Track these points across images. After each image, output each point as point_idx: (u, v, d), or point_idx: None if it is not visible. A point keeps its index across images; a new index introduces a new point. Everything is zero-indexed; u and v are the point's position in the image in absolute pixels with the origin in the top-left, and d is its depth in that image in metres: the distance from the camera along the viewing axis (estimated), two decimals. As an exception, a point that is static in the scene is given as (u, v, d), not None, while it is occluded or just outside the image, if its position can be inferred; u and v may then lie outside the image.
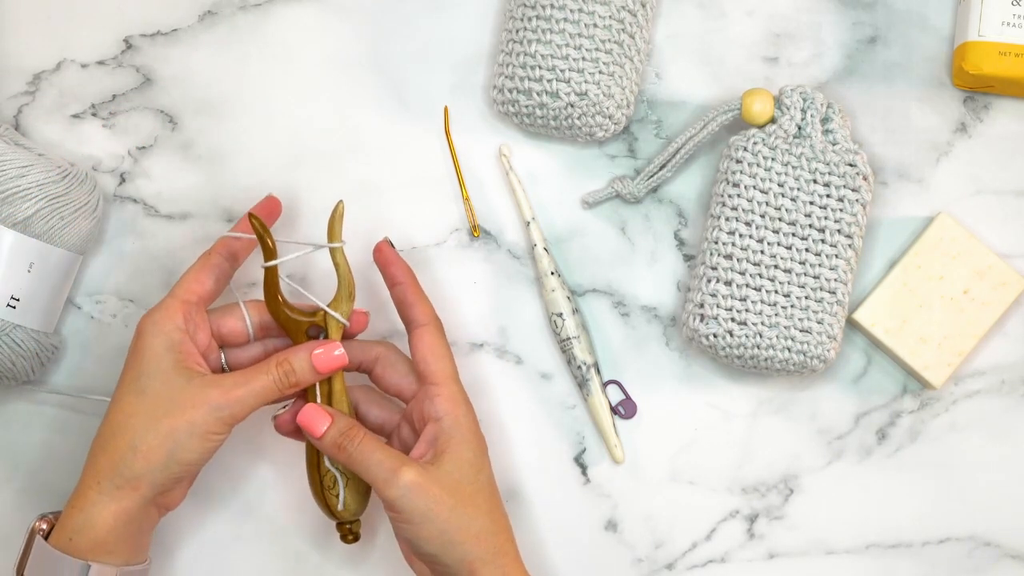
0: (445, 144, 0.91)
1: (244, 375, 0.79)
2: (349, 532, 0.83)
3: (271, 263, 0.81)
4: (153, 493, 0.78)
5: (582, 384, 0.89)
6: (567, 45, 0.86)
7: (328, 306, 0.82)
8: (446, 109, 0.91)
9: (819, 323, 0.85)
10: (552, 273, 0.89)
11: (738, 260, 0.86)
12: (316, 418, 0.79)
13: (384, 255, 0.83)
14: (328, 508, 0.82)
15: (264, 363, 0.80)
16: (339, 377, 0.82)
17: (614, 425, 0.90)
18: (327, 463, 0.82)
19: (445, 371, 0.80)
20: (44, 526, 0.79)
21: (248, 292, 0.90)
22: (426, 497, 0.77)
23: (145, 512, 0.79)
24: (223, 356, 0.83)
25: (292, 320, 0.81)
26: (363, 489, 0.82)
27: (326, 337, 0.82)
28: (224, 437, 0.79)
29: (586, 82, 0.86)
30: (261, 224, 0.81)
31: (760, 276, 0.86)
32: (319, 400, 0.81)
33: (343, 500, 0.82)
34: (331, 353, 0.80)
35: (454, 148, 0.91)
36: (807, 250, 0.86)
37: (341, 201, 0.82)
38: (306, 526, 0.89)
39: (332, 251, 0.82)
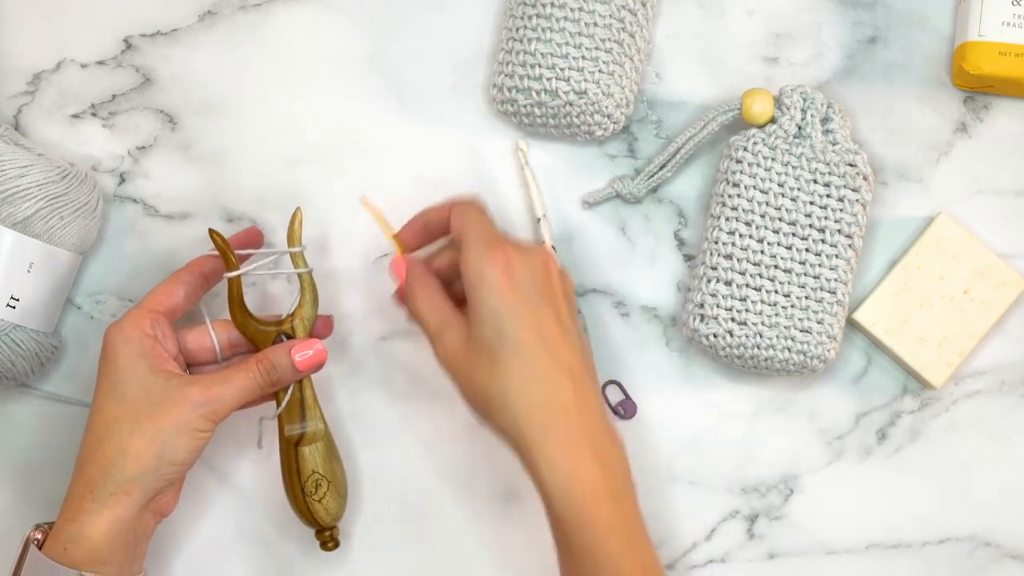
0: (448, 144, 0.91)
1: (223, 374, 0.79)
2: (330, 539, 0.83)
3: (233, 274, 0.82)
4: (146, 498, 0.77)
5: (582, 384, 0.89)
6: (567, 43, 0.86)
7: (293, 313, 0.82)
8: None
9: (819, 323, 0.85)
10: (553, 273, 0.89)
11: (738, 260, 0.86)
12: (399, 266, 0.81)
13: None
14: (310, 515, 0.82)
15: (244, 362, 0.80)
16: (309, 385, 0.83)
17: (614, 425, 0.90)
18: (311, 466, 0.82)
19: (464, 230, 0.78)
20: (39, 536, 0.79)
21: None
22: (455, 367, 0.77)
23: (140, 519, 0.78)
24: (189, 372, 0.83)
25: (259, 331, 0.82)
26: (342, 491, 0.83)
27: None
28: (210, 435, 0.78)
29: (585, 81, 0.86)
30: (222, 238, 0.81)
31: (760, 276, 0.86)
32: (286, 405, 0.82)
33: (325, 505, 0.82)
34: (315, 347, 0.81)
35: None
36: (807, 250, 0.86)
37: (299, 208, 0.83)
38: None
39: (293, 257, 0.83)
